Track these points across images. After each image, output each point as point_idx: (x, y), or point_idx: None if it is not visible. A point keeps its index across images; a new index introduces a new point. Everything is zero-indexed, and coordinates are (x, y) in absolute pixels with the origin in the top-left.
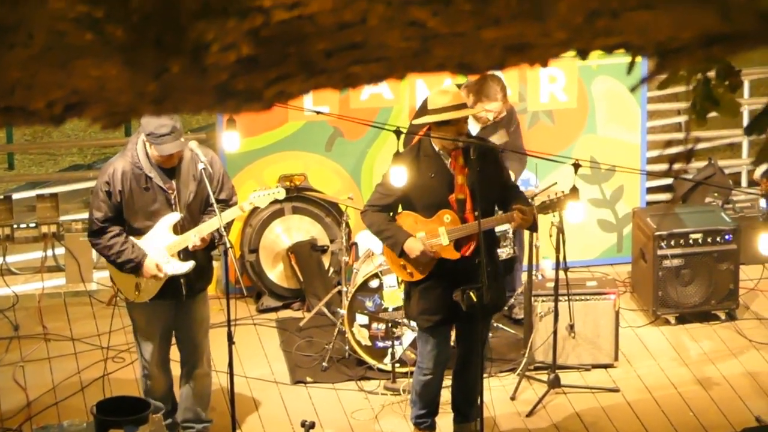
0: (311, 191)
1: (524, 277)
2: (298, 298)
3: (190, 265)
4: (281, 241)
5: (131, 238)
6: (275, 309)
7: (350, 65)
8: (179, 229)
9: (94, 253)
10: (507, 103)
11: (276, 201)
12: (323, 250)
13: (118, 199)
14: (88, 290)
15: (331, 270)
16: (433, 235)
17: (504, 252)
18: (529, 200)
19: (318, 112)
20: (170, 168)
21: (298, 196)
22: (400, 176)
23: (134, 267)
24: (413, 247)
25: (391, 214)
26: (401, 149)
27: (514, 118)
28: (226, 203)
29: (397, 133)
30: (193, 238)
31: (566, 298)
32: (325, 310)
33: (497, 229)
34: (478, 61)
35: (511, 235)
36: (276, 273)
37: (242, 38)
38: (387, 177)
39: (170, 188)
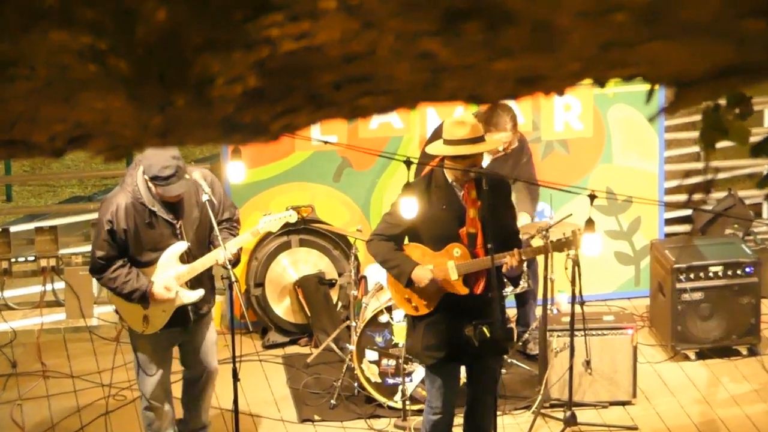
0: (319, 223)
1: (539, 311)
2: (306, 333)
3: (200, 293)
4: (288, 275)
5: (135, 268)
6: (282, 345)
7: (359, 97)
8: (186, 258)
9: (95, 286)
10: (517, 133)
11: (283, 233)
12: (331, 283)
13: (123, 237)
14: (88, 326)
15: (340, 304)
16: (442, 269)
17: (519, 287)
18: (544, 233)
19: (326, 142)
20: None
21: (306, 228)
22: (410, 207)
23: (141, 295)
24: (421, 275)
25: (398, 245)
26: (412, 179)
27: (526, 149)
28: (230, 222)
29: (407, 162)
30: (223, 255)
31: (582, 332)
32: (334, 346)
33: None
34: (490, 93)
35: (525, 268)
36: (282, 307)
37: (248, 70)
38: (396, 207)
39: (174, 219)
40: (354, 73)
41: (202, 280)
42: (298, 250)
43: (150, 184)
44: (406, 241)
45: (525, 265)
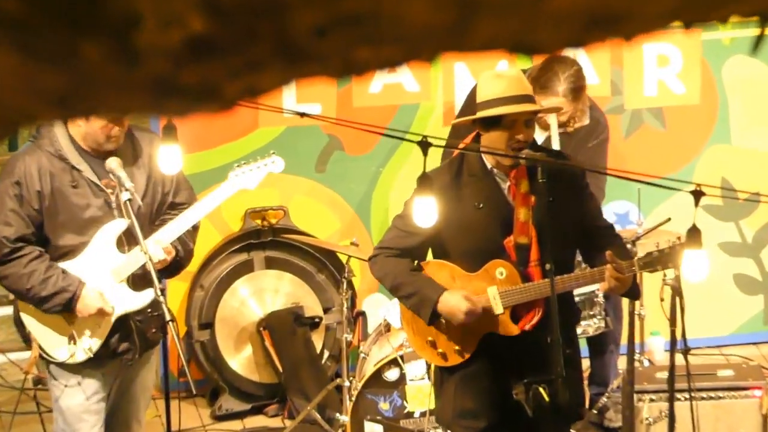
0: (293, 234)
1: (621, 363)
2: (275, 397)
3: (148, 296)
4: (248, 311)
5: (58, 263)
6: (240, 414)
7: (353, 47)
8: (126, 243)
9: None
10: (581, 104)
11: (241, 248)
12: (313, 323)
13: (36, 205)
14: None
15: (326, 354)
16: (480, 299)
17: (591, 325)
18: (630, 249)
19: (303, 115)
20: (105, 156)
21: (275, 242)
22: (428, 211)
23: (66, 303)
24: (454, 306)
25: (416, 263)
26: (439, 164)
27: (601, 129)
28: (185, 208)
29: (424, 144)
30: (153, 249)
31: (687, 395)
32: (317, 417)
33: (579, 290)
34: (544, 40)
35: (601, 299)
36: (241, 360)
37: (190, 8)
38: (409, 207)
39: (108, 185)
40: (346, 12)
41: (149, 279)
42: (264, 274)
43: (72, 132)
44: (427, 257)
45: (600, 296)
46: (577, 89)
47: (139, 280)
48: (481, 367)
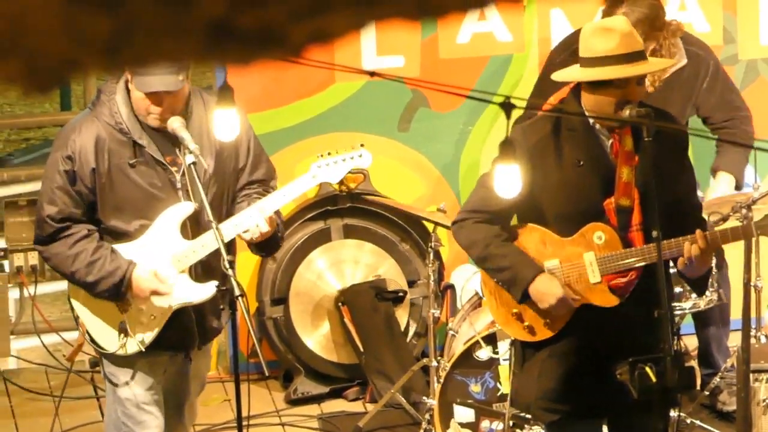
0: (374, 197)
1: (734, 339)
2: (356, 380)
3: (210, 289)
4: (325, 285)
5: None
6: (317, 398)
7: None
8: (191, 229)
9: (11, 305)
10: (660, 39)
11: (317, 215)
12: (397, 298)
13: (89, 183)
14: (1, 370)
15: (411, 332)
16: (575, 265)
17: (702, 299)
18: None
19: (372, 74)
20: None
21: (354, 208)
22: (511, 180)
23: (114, 289)
24: (547, 291)
25: (505, 228)
26: (522, 128)
27: (703, 63)
28: (264, 186)
29: (507, 106)
30: (253, 220)
31: None
32: (402, 400)
33: None
34: None
35: (714, 269)
36: (317, 338)
37: None
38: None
39: (174, 162)
40: None
41: (215, 270)
42: (342, 244)
43: (134, 99)
44: (514, 220)
45: (713, 262)
46: (649, 21)
47: (202, 271)
48: (573, 344)
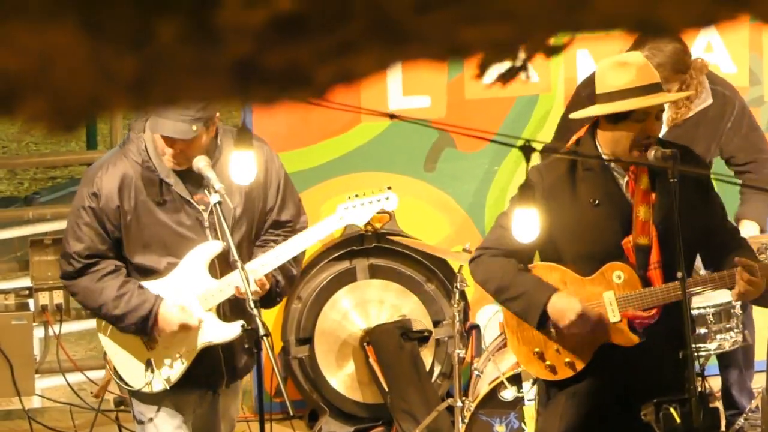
0: (400, 237)
1: (761, 380)
2: (381, 419)
3: (236, 329)
4: (350, 324)
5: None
6: None
7: (458, 25)
8: (219, 268)
9: (36, 344)
10: (701, 83)
11: (343, 254)
12: (422, 338)
13: (115, 221)
14: (26, 409)
15: (437, 372)
16: (595, 304)
17: (727, 339)
18: (765, 255)
19: (392, 116)
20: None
21: (380, 248)
22: (529, 223)
23: (141, 323)
24: (564, 308)
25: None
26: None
27: (729, 102)
28: (291, 227)
29: (526, 149)
30: (243, 281)
31: None
32: None
33: (717, 299)
34: (670, 15)
35: (739, 310)
36: (342, 378)
37: None
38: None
39: (201, 201)
40: None
41: (244, 309)
42: (368, 284)
43: (152, 138)
44: (535, 260)
45: (738, 306)
46: (671, 64)
47: (230, 310)
48: (595, 383)
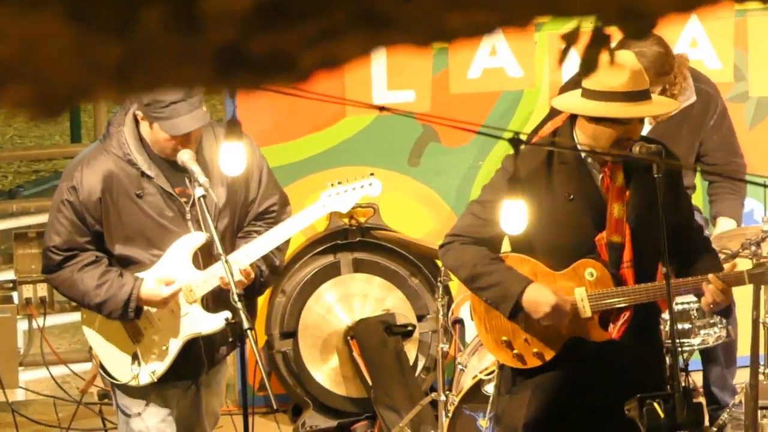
0: (384, 232)
1: (741, 376)
2: (364, 413)
3: (220, 320)
4: (334, 319)
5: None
6: None
7: (441, 11)
8: (203, 259)
9: (20, 336)
10: (685, 80)
11: (327, 248)
12: (406, 332)
13: (95, 214)
14: (9, 402)
15: (420, 366)
16: (566, 300)
17: (711, 335)
18: (752, 247)
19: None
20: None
21: (364, 243)
22: (519, 217)
23: (125, 303)
24: (539, 300)
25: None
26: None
27: (712, 101)
28: (274, 217)
29: (515, 142)
30: (227, 273)
31: None
32: None
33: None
34: (652, 2)
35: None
36: (326, 372)
37: None
38: (489, 192)
39: (183, 193)
40: None
41: (227, 301)
42: (352, 278)
43: (143, 133)
44: (504, 248)
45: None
46: (654, 68)
47: (213, 301)
48: (564, 375)
